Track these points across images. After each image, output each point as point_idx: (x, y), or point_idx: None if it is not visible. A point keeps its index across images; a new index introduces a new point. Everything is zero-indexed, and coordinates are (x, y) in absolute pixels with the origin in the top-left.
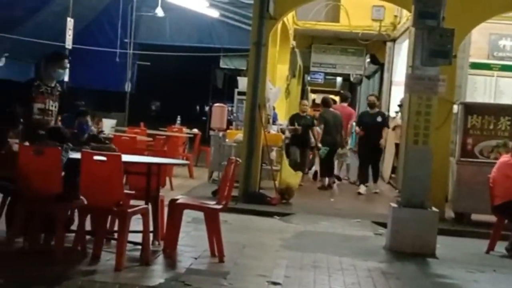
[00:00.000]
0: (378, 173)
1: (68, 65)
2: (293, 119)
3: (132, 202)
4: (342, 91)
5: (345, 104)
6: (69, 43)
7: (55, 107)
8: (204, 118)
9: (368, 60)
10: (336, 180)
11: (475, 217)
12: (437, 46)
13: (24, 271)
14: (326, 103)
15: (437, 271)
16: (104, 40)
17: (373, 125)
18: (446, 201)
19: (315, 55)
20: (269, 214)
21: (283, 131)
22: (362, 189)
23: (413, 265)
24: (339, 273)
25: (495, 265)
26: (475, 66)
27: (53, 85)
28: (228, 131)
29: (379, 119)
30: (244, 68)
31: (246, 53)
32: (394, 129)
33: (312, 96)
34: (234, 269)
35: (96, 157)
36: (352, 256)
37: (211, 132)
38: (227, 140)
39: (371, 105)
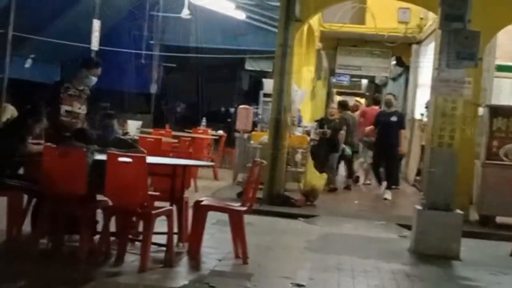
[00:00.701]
0: (390, 176)
1: (100, 73)
2: (321, 123)
3: (156, 203)
4: (368, 94)
5: (376, 107)
6: (95, 45)
7: (83, 110)
8: (229, 120)
9: (393, 62)
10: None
11: (499, 219)
12: (463, 48)
13: (48, 272)
14: (344, 106)
15: (461, 274)
16: (130, 41)
17: (387, 125)
18: (471, 204)
19: (341, 57)
20: (294, 216)
21: (308, 133)
22: (388, 194)
23: (437, 268)
24: (363, 275)
25: None
26: (501, 68)
27: (81, 88)
28: (253, 133)
29: (393, 118)
30: (270, 70)
31: (272, 55)
32: (422, 131)
33: (338, 98)
34: (258, 271)
35: (121, 159)
36: (376, 258)
37: (236, 134)
38: (252, 142)
39: (388, 104)
